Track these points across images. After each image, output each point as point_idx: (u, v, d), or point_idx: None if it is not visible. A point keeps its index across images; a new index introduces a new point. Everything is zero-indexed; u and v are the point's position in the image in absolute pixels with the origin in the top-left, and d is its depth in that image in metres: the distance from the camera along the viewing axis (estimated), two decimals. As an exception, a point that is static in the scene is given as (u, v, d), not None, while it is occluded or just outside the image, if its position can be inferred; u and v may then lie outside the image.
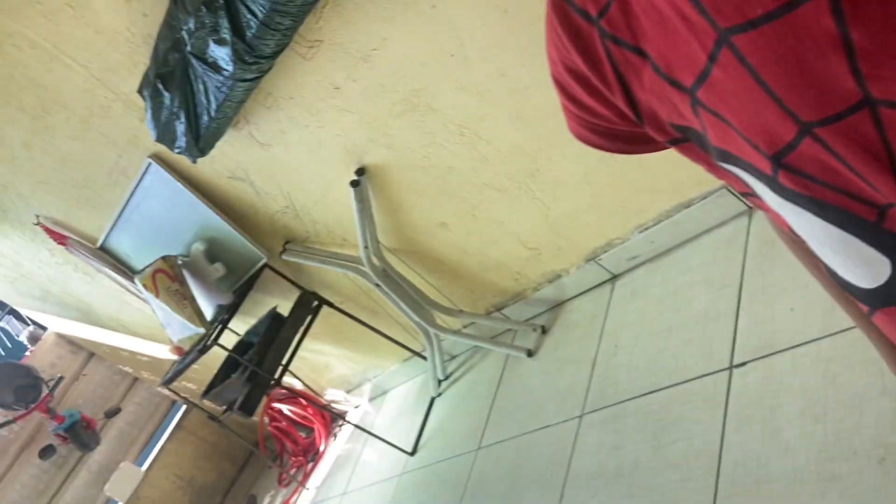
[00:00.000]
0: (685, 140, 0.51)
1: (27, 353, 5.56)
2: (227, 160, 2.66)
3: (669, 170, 2.12)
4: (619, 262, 2.49)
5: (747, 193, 0.51)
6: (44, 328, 5.58)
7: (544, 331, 2.75)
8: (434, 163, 2.37)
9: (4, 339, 12.54)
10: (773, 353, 1.75)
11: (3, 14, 2.35)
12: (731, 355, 1.87)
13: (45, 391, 4.63)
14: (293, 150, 2.52)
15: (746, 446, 1.66)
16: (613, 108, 0.53)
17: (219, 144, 2.43)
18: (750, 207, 2.14)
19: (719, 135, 0.46)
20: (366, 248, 2.62)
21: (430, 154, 2.34)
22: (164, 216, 2.95)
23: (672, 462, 1.83)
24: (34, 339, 5.66)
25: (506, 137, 2.21)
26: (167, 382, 3.24)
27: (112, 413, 4.95)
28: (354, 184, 2.46)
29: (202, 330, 2.92)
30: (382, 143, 2.36)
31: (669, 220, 2.27)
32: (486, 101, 2.12)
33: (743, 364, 1.82)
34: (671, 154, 2.11)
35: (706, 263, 2.18)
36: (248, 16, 1.88)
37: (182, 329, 2.97)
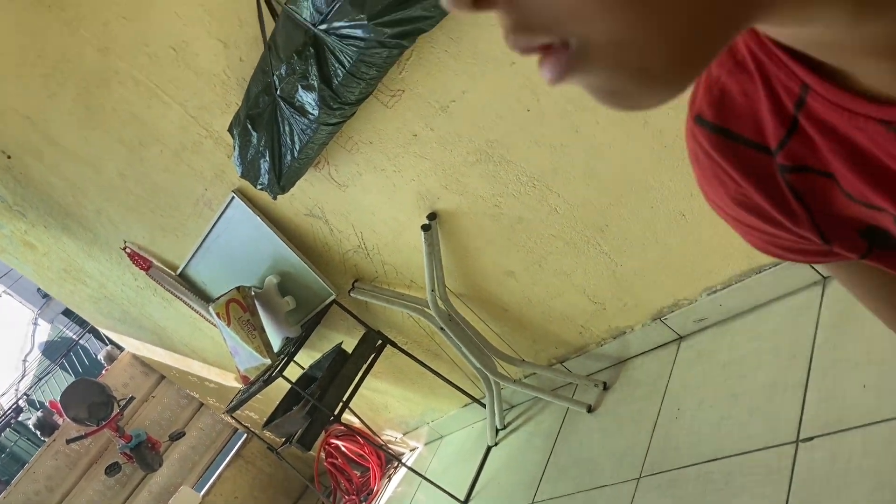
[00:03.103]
0: (872, 249, 0.50)
1: (103, 372, 5.79)
2: (305, 198, 2.76)
3: (742, 233, 2.09)
4: (686, 323, 2.45)
5: None
6: (121, 349, 5.82)
7: (606, 387, 2.71)
8: (504, 212, 2.40)
9: (83, 356, 13.06)
10: (842, 431, 1.69)
11: (113, 53, 2.54)
12: (797, 429, 1.81)
13: (117, 409, 4.81)
14: (369, 192, 2.60)
15: (810, 525, 1.59)
16: (797, 235, 0.51)
17: (299, 183, 2.53)
18: (824, 277, 2.08)
19: None
20: (433, 291, 2.66)
21: (501, 203, 2.38)
22: (242, 248, 3.08)
23: (731, 534, 1.77)
24: (111, 358, 5.91)
25: (577, 192, 2.23)
26: (232, 410, 3.33)
27: (177, 436, 5.10)
28: (425, 228, 2.52)
29: (269, 361, 3.00)
30: (455, 190, 2.42)
31: (740, 285, 2.23)
32: (560, 155, 2.15)
33: (810, 439, 1.75)
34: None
35: (775, 332, 2.12)
36: (336, 65, 1.98)
37: (249, 359, 3.06)
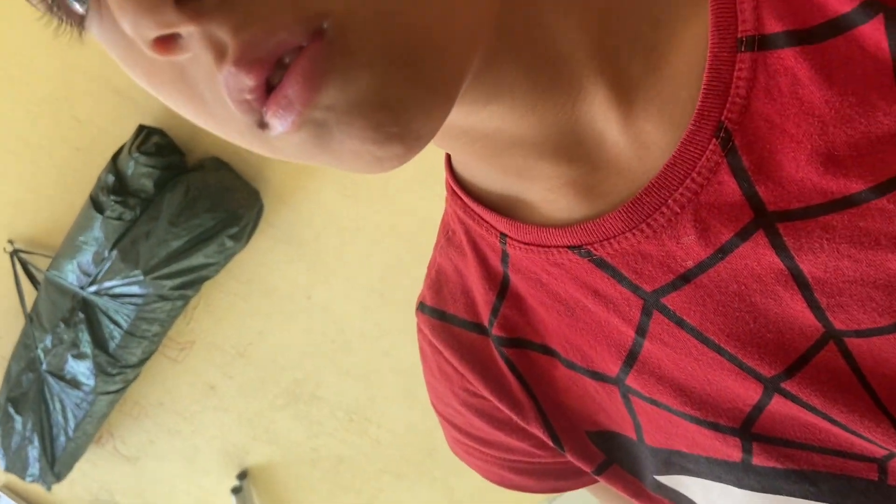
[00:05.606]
0: (609, 463, 0.42)
1: None
2: (88, 481, 2.39)
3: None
4: (535, 536, 2.32)
5: None
6: None
7: None
8: (324, 454, 2.23)
9: None
10: None
11: None
12: None
13: None
14: (165, 461, 2.31)
15: None
16: (530, 438, 0.43)
17: (78, 465, 2.19)
18: None
19: (662, 429, 0.38)
20: (254, 562, 2.33)
21: (319, 445, 2.21)
22: (12, 558, 2.55)
23: None
24: None
25: (398, 417, 2.13)
26: None
27: None
28: (236, 490, 2.25)
29: None
30: (265, 439, 2.22)
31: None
32: (373, 382, 2.08)
33: None
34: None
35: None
36: (112, 326, 1.79)
37: None
